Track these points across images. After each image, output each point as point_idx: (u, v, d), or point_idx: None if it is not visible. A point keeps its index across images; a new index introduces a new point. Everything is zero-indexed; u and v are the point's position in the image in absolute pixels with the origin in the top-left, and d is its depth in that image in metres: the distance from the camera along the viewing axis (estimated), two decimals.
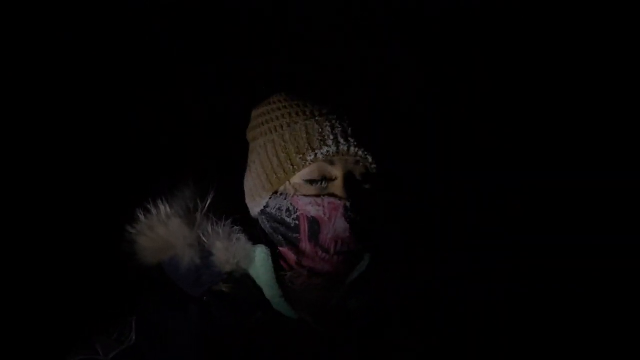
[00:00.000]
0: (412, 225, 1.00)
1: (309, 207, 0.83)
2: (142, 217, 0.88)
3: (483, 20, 1.41)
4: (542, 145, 1.43)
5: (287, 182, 0.85)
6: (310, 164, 0.83)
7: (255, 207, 0.90)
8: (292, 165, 0.83)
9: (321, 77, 1.31)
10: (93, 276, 1.13)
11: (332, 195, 0.83)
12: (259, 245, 0.85)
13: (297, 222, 0.84)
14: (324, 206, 0.83)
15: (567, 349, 1.22)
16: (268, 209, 0.87)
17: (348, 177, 0.84)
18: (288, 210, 0.85)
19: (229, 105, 1.20)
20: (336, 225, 0.82)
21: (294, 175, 0.84)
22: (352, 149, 0.83)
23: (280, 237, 0.86)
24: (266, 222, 0.88)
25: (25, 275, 1.13)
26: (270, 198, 0.87)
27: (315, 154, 0.83)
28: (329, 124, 0.85)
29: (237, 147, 0.98)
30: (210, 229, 0.86)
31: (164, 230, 0.87)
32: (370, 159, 0.85)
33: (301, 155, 0.83)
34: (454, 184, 1.34)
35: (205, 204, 0.88)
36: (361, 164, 0.85)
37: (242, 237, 0.85)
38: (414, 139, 1.35)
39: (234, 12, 1.33)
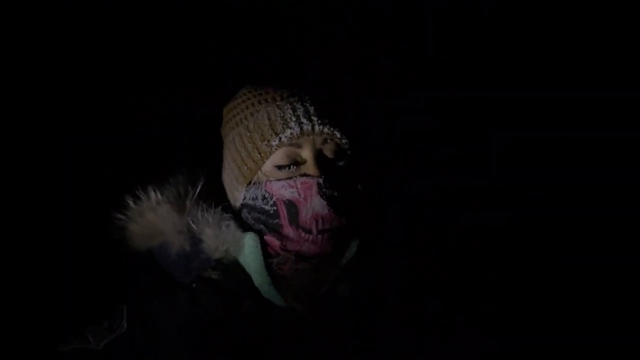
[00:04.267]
0: (399, 214, 0.98)
1: (282, 191, 0.82)
2: (131, 203, 0.88)
3: (481, 19, 1.40)
4: (531, 146, 1.40)
5: (259, 171, 0.84)
6: (276, 149, 0.82)
7: (235, 201, 0.89)
8: (260, 153, 0.82)
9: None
10: (86, 266, 1.13)
11: (304, 175, 0.82)
12: (248, 232, 0.84)
13: (275, 208, 0.82)
14: (297, 187, 0.81)
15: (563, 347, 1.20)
16: (246, 201, 0.86)
17: (318, 156, 0.83)
18: (264, 197, 0.83)
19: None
20: (313, 204, 0.80)
21: (263, 163, 0.83)
22: (317, 127, 0.82)
23: (262, 226, 0.85)
24: (247, 214, 0.87)
25: (19, 267, 1.14)
26: (246, 190, 0.85)
27: (280, 138, 0.81)
28: (289, 106, 0.83)
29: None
30: (199, 216, 0.85)
31: (153, 216, 0.86)
32: (338, 135, 0.83)
33: (266, 142, 0.82)
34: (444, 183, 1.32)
35: (196, 191, 0.88)
36: (330, 141, 0.83)
37: (232, 224, 0.84)
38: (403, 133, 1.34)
39: (231, 12, 1.33)
